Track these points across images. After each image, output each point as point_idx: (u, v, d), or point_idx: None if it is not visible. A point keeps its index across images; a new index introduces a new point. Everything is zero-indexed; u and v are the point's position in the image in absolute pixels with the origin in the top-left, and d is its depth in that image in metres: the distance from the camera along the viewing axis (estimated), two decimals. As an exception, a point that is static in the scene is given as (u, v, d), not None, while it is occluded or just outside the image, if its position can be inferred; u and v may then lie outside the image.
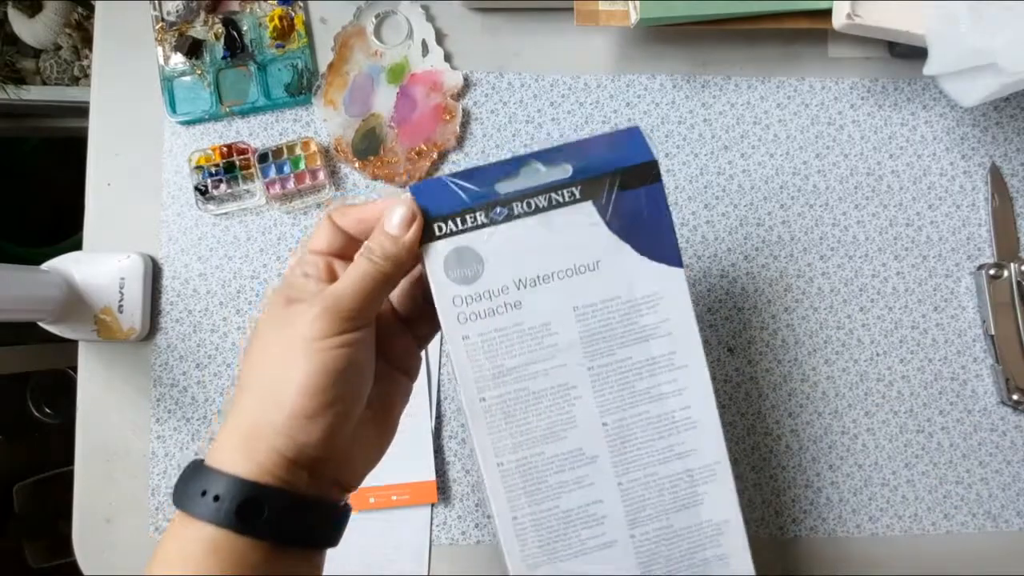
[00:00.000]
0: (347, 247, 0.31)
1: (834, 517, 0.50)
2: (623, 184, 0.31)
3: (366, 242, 0.30)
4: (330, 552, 0.31)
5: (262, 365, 0.28)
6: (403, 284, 0.33)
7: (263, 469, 0.27)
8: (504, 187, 0.30)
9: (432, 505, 0.50)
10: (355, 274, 0.29)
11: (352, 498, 0.48)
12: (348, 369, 0.28)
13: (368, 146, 0.51)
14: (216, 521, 0.27)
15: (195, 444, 0.50)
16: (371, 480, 0.49)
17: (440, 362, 0.50)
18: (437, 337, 0.33)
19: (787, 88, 0.52)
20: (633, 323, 0.31)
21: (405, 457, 0.49)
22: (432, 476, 0.49)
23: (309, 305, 0.28)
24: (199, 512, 0.27)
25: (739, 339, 0.51)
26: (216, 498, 0.27)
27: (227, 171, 0.50)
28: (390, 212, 0.30)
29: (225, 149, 0.50)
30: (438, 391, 0.50)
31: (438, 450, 0.50)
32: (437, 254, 0.30)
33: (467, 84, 0.52)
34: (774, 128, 0.52)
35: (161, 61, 0.52)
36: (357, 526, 0.49)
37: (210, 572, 0.26)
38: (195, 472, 0.28)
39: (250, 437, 0.28)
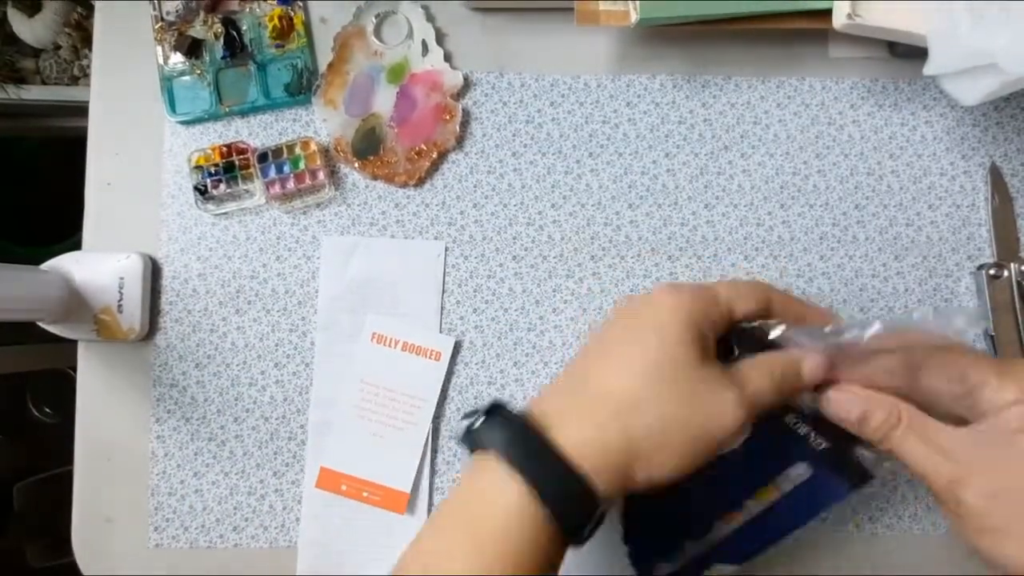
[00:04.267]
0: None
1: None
2: None
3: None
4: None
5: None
6: None
7: (604, 479, 0.32)
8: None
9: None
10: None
11: (324, 479, 0.50)
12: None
13: (368, 146, 0.51)
14: (564, 528, 0.32)
15: (195, 444, 0.50)
16: (350, 469, 0.50)
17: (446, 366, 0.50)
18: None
19: (787, 88, 0.52)
20: None
21: (390, 462, 0.49)
22: (407, 489, 0.49)
23: (738, 390, 0.34)
24: (549, 494, 0.31)
25: (739, 339, 0.51)
26: (569, 499, 0.32)
27: (227, 171, 0.50)
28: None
29: (225, 149, 0.50)
30: (440, 394, 0.50)
31: (436, 450, 0.50)
32: None
33: (467, 84, 0.52)
34: (774, 128, 0.52)
35: (160, 61, 0.52)
36: (335, 512, 0.49)
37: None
38: (543, 451, 0.32)
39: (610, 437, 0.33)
